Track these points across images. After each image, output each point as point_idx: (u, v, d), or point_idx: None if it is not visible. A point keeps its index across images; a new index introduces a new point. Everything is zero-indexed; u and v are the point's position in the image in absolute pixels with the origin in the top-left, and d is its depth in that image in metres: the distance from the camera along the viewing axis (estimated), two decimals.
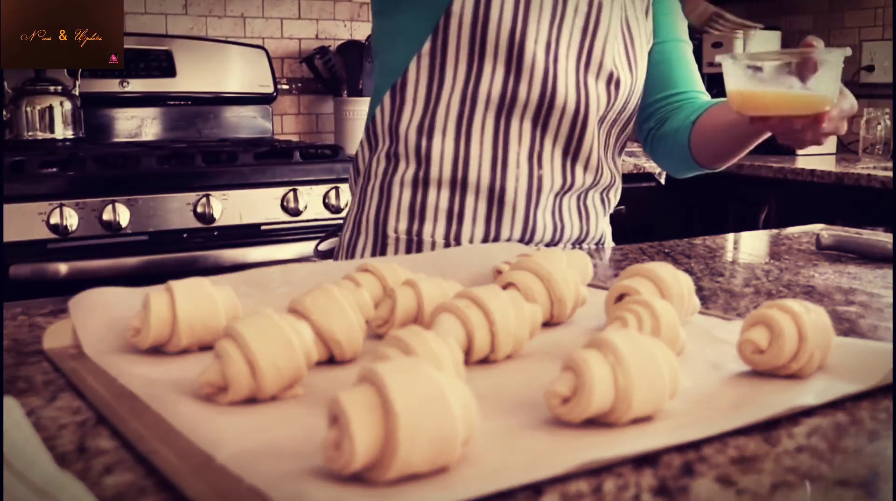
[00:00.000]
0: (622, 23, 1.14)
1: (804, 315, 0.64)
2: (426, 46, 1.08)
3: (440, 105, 1.09)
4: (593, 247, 1.23)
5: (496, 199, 1.11)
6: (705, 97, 1.25)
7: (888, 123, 2.96)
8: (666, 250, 1.22)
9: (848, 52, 0.89)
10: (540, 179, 1.12)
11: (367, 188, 1.17)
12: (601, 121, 1.14)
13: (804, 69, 0.88)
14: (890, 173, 2.42)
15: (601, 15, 1.10)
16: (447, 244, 1.11)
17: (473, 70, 1.08)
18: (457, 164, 1.09)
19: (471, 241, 1.11)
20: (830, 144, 3.12)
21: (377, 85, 1.17)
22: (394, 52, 1.12)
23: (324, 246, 1.38)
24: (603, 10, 1.10)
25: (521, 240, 1.12)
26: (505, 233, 1.11)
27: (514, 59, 1.07)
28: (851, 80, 3.15)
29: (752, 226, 2.59)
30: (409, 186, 1.12)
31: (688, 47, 1.26)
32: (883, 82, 3.11)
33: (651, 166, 2.70)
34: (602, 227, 1.24)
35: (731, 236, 1.39)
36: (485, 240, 1.11)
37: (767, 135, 1.11)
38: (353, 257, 1.17)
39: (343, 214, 2.22)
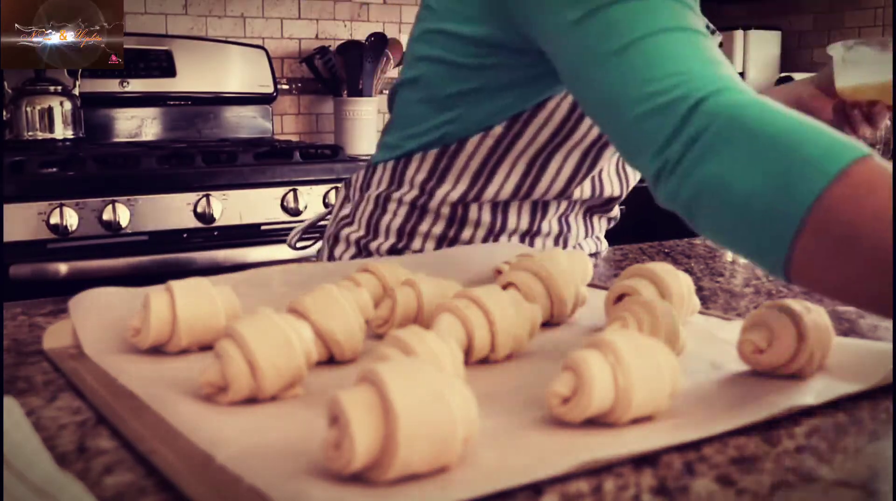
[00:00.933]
0: None
1: (804, 315, 0.64)
2: (498, 129, 0.99)
3: (486, 190, 1.03)
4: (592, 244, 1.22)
5: (494, 235, 1.08)
6: None
7: (888, 122, 2.96)
8: (666, 250, 1.22)
9: None
10: (567, 235, 1.13)
11: (365, 194, 1.12)
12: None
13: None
14: None
15: None
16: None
17: (535, 169, 1.02)
18: (493, 230, 1.07)
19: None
20: None
21: (409, 130, 1.06)
22: (465, 109, 1.01)
23: (301, 244, 1.37)
24: None
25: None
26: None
27: (590, 162, 1.04)
28: None
29: None
30: (406, 207, 1.07)
31: None
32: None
33: None
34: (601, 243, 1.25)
35: None
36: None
37: None
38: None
39: None
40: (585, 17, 0.76)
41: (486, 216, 1.05)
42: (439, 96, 1.02)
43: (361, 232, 1.11)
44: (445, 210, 1.05)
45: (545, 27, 0.83)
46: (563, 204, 1.10)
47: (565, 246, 1.13)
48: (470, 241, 1.06)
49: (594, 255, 1.21)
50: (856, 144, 0.60)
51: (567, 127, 1.00)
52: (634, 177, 1.17)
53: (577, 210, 1.14)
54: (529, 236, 1.09)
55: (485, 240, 1.07)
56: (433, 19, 1.00)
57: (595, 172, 1.08)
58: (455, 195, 1.04)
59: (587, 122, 0.99)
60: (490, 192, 1.04)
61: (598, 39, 0.75)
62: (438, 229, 1.07)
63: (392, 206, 1.08)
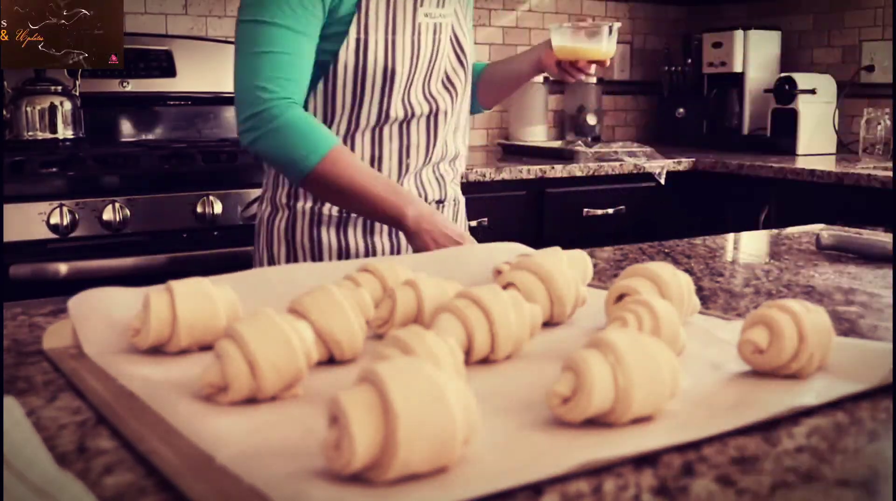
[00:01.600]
0: (451, 41, 1.47)
1: (804, 315, 0.64)
2: (319, 85, 1.38)
3: (332, 127, 1.39)
4: (452, 204, 1.55)
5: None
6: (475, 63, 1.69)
7: (888, 123, 2.96)
8: (666, 250, 1.23)
9: (619, 25, 1.49)
10: (408, 165, 1.44)
11: (279, 178, 1.44)
12: (447, 113, 1.47)
13: (598, 33, 1.45)
14: (890, 173, 2.41)
15: (439, 52, 1.44)
16: (339, 215, 1.40)
17: (355, 101, 1.39)
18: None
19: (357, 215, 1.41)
20: (830, 144, 3.12)
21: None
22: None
23: (247, 212, 1.80)
24: (441, 42, 1.45)
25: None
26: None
27: (387, 89, 1.38)
28: (851, 80, 3.15)
29: (752, 226, 2.59)
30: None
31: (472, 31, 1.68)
32: (883, 82, 3.11)
33: (651, 166, 2.70)
34: (455, 189, 1.55)
35: (731, 236, 1.39)
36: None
37: (537, 75, 1.62)
38: (270, 229, 1.44)
39: None
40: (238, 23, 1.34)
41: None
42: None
43: (286, 187, 1.43)
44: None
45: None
46: (396, 138, 1.43)
47: (407, 168, 1.44)
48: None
49: (455, 202, 1.53)
50: (329, 137, 1.29)
51: (359, 68, 1.38)
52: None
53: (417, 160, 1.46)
54: (378, 161, 1.42)
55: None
56: None
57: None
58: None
59: (371, 57, 1.38)
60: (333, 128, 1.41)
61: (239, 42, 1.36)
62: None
63: None
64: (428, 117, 1.44)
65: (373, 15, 1.36)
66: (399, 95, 1.39)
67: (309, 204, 1.42)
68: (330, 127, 1.38)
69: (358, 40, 1.35)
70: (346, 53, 1.35)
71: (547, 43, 1.54)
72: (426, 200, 1.47)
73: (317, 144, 1.27)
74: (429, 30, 1.42)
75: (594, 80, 1.67)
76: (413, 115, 1.42)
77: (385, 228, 1.42)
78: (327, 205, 1.41)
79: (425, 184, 1.48)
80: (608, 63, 1.50)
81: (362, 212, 1.34)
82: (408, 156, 1.45)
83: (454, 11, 1.48)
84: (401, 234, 1.38)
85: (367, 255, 1.41)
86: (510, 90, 1.69)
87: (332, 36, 1.35)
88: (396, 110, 1.40)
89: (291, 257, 1.44)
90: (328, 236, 1.41)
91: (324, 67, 1.36)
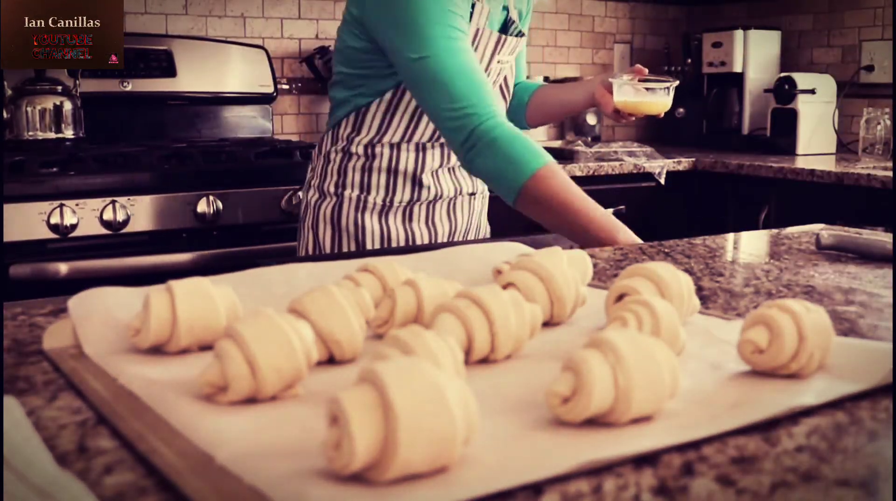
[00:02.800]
0: (504, 79, 1.60)
1: (804, 315, 0.64)
2: (387, 96, 1.50)
3: (386, 135, 1.51)
4: (480, 196, 1.66)
5: (417, 181, 1.55)
6: (528, 81, 1.79)
7: (888, 123, 2.96)
8: (666, 250, 1.23)
9: (677, 82, 1.57)
10: (449, 156, 1.56)
11: (328, 168, 1.57)
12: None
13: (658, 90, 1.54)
14: (890, 173, 2.41)
15: (496, 82, 1.57)
16: (383, 204, 1.52)
17: (414, 119, 1.50)
18: (391, 162, 1.53)
19: (399, 202, 1.53)
20: (830, 144, 3.12)
21: (344, 102, 1.56)
22: (363, 90, 1.53)
23: (293, 201, 2.07)
24: (498, 82, 1.58)
25: (432, 200, 1.55)
26: (423, 197, 1.56)
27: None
28: (851, 80, 3.15)
29: (752, 226, 2.59)
30: (358, 172, 1.54)
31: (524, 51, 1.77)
32: (883, 82, 3.11)
33: (651, 166, 2.70)
34: (484, 184, 1.65)
35: (731, 236, 1.39)
36: (409, 201, 1.54)
37: (588, 109, 1.82)
38: (317, 213, 1.56)
39: None
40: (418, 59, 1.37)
41: (386, 152, 1.53)
42: (351, 78, 1.55)
43: (334, 178, 1.56)
44: (360, 150, 1.54)
45: (393, 58, 1.44)
46: (438, 149, 1.57)
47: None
48: (378, 170, 1.53)
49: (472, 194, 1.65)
50: (542, 155, 1.33)
51: None
52: None
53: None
54: (418, 168, 1.55)
55: (387, 171, 1.53)
56: (346, 25, 1.51)
57: None
58: (365, 140, 1.53)
59: None
60: (387, 137, 1.53)
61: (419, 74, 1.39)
62: (360, 163, 1.55)
63: (334, 155, 1.57)
64: None
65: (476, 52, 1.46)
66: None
67: (356, 192, 1.53)
68: (384, 135, 1.51)
69: None
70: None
71: (601, 78, 1.61)
72: (460, 191, 1.60)
73: (530, 161, 1.32)
74: (493, 73, 1.55)
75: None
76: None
77: (423, 215, 1.55)
78: (373, 194, 1.53)
79: (459, 179, 1.60)
80: (662, 115, 1.58)
81: (571, 231, 1.34)
82: (448, 160, 1.58)
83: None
84: (437, 222, 1.57)
85: (406, 242, 1.54)
86: (560, 117, 1.80)
87: None
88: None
89: (336, 240, 1.54)
90: (371, 222, 1.52)
91: (395, 79, 1.46)
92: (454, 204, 1.60)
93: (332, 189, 1.55)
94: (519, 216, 1.41)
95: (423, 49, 1.36)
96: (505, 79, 1.62)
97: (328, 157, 1.57)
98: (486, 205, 1.71)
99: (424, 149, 1.54)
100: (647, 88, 1.53)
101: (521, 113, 1.73)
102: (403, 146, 1.53)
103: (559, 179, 1.32)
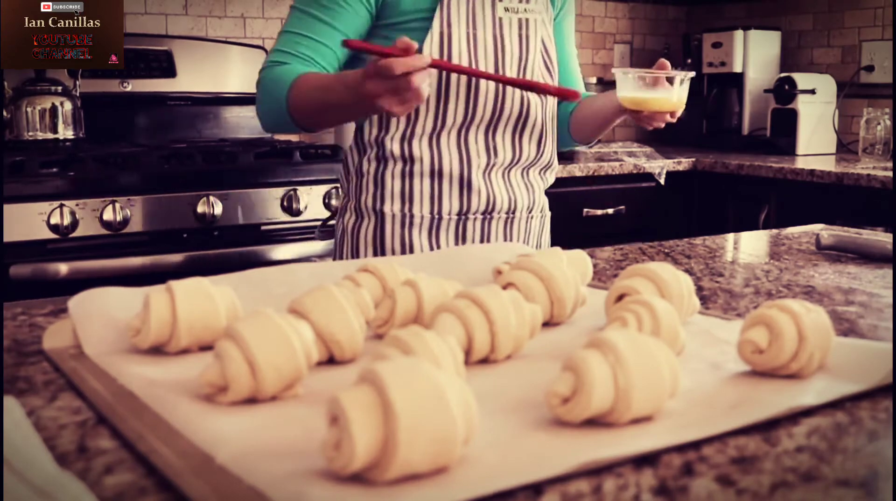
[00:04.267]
0: (541, 47, 1.44)
1: (804, 315, 0.64)
2: None
3: (417, 125, 1.36)
4: (539, 215, 1.52)
5: (465, 183, 1.39)
6: (583, 91, 1.61)
7: (888, 123, 2.96)
8: (666, 250, 1.23)
9: (692, 74, 1.37)
10: (493, 164, 1.41)
11: (362, 183, 1.42)
12: (535, 117, 1.43)
13: (667, 82, 1.34)
14: (890, 173, 2.41)
15: (529, 52, 1.40)
16: (431, 217, 1.38)
17: (441, 102, 1.34)
18: (433, 162, 1.37)
19: (448, 214, 1.39)
20: (830, 144, 3.12)
21: None
22: None
23: (325, 227, 1.81)
24: (531, 40, 1.41)
25: (485, 210, 1.40)
26: (474, 206, 1.40)
27: (472, 92, 1.35)
28: (851, 80, 3.15)
29: (752, 226, 2.59)
30: (398, 179, 1.39)
31: (575, 53, 1.61)
32: (883, 82, 3.11)
33: (651, 166, 2.70)
34: (543, 199, 1.52)
35: (731, 236, 1.39)
36: (459, 212, 1.39)
37: (621, 118, 1.47)
38: (356, 237, 1.42)
39: None
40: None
41: (426, 149, 1.37)
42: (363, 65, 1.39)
43: (371, 191, 1.41)
44: (396, 149, 1.38)
45: None
46: (482, 140, 1.40)
47: (491, 169, 1.42)
48: (420, 174, 1.38)
49: (542, 211, 1.51)
50: (292, 73, 1.30)
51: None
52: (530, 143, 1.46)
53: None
54: (467, 161, 1.39)
55: (431, 174, 1.38)
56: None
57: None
58: (398, 135, 1.37)
59: (455, 56, 1.35)
60: (420, 124, 1.37)
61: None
62: (398, 169, 1.39)
63: (367, 166, 1.42)
64: (517, 120, 1.40)
65: (454, 8, 1.33)
66: (486, 94, 1.35)
67: (398, 206, 1.38)
68: (415, 126, 1.36)
69: (441, 34, 1.32)
70: (431, 47, 1.31)
71: None
72: (515, 206, 1.44)
73: (283, 86, 1.28)
74: (512, 26, 1.38)
75: (662, 125, 1.41)
76: (500, 116, 1.38)
77: (477, 231, 1.41)
78: (416, 205, 1.38)
79: (514, 188, 1.44)
80: (678, 115, 1.37)
81: (337, 112, 1.31)
82: (495, 155, 1.41)
83: (542, 10, 1.44)
84: (493, 234, 1.42)
85: None
86: (597, 128, 1.55)
87: (415, 30, 1.32)
88: (485, 109, 1.36)
89: None
90: (420, 240, 1.38)
91: None
92: (511, 222, 1.43)
93: (369, 204, 1.39)
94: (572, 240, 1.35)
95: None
96: (543, 43, 1.43)
97: (360, 171, 1.41)
98: (548, 226, 1.55)
99: (467, 140, 1.37)
100: (652, 81, 1.33)
101: (564, 127, 1.57)
102: (444, 139, 1.36)
103: (303, 81, 1.27)
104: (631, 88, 1.36)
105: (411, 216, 1.38)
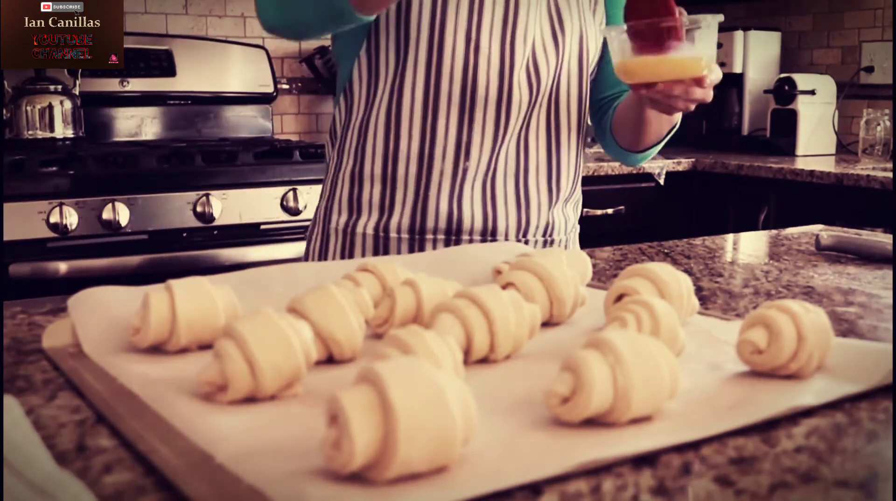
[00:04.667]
0: (547, 6, 1.13)
1: (803, 316, 0.64)
2: (363, 48, 1.14)
3: (374, 105, 1.13)
4: (540, 239, 1.20)
5: (422, 192, 1.14)
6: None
7: (888, 123, 2.96)
8: (665, 251, 1.23)
9: (720, 17, 0.95)
10: (465, 170, 1.13)
11: (326, 184, 1.25)
12: (520, 107, 1.13)
13: (676, 33, 0.92)
14: (889, 174, 2.42)
15: (518, 11, 1.10)
16: (376, 236, 1.16)
17: (399, 67, 1.11)
18: (386, 160, 1.14)
19: (398, 232, 1.15)
20: (830, 144, 3.12)
21: (337, 88, 1.23)
22: (345, 58, 1.19)
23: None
24: (521, 6, 1.10)
25: (447, 230, 1.15)
26: (430, 223, 1.14)
27: (435, 52, 1.09)
28: (851, 80, 3.15)
29: (752, 226, 2.59)
30: (347, 182, 1.18)
31: None
32: (882, 83, 3.11)
33: (650, 166, 2.71)
34: (552, 217, 1.19)
35: (730, 237, 1.39)
36: (411, 230, 1.15)
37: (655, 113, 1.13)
38: (310, 247, 1.24)
39: None
40: None
41: (381, 141, 1.14)
42: (337, 58, 1.24)
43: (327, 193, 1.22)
44: (353, 137, 1.16)
45: None
46: (454, 126, 1.13)
47: (464, 177, 1.15)
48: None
49: (546, 235, 1.23)
50: None
51: (402, 21, 1.12)
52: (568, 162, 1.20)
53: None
54: (429, 159, 1.14)
55: (385, 157, 1.14)
56: None
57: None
58: (357, 122, 1.16)
59: (416, 4, 1.10)
60: (374, 110, 1.14)
61: None
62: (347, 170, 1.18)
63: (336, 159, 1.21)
64: (498, 106, 1.11)
65: None
66: (453, 60, 1.09)
67: (343, 218, 1.18)
68: (373, 101, 1.13)
69: None
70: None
71: None
72: (495, 228, 1.15)
73: None
74: None
75: (691, 104, 1.01)
76: (475, 97, 1.10)
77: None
78: (363, 220, 1.15)
79: (498, 203, 1.15)
80: (709, 80, 0.98)
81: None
82: (467, 157, 1.12)
83: None
84: None
85: None
86: (637, 127, 1.18)
87: None
88: (452, 82, 1.10)
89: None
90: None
91: (367, 25, 1.10)
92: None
93: (321, 214, 1.22)
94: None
95: None
96: (553, 3, 1.13)
97: (327, 169, 1.24)
98: (575, 243, 1.26)
99: (433, 133, 1.11)
100: (653, 30, 0.92)
101: (606, 127, 1.25)
102: (403, 123, 1.12)
103: None
104: (624, 50, 0.97)
105: (353, 235, 1.17)
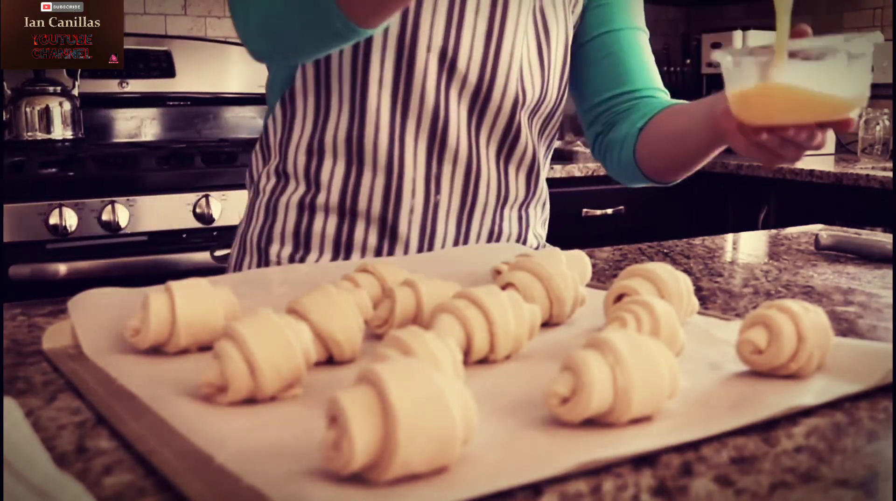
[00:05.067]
0: (535, 13, 1.00)
1: (803, 315, 0.65)
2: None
3: (329, 122, 0.98)
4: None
5: (388, 230, 1.01)
6: (662, 95, 1.11)
7: (887, 123, 2.96)
8: (665, 251, 1.23)
9: (879, 38, 0.73)
10: (436, 205, 1.01)
11: (255, 204, 1.09)
12: (518, 125, 1.02)
13: (821, 60, 0.72)
14: (889, 173, 2.42)
15: (508, 12, 0.97)
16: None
17: (358, 81, 0.96)
18: (346, 190, 0.99)
19: None
20: (829, 144, 3.12)
21: (269, 93, 1.07)
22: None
23: (220, 252, 1.32)
24: (510, 6, 0.97)
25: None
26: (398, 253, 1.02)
27: (404, 69, 0.95)
28: None
29: (752, 226, 2.59)
30: (294, 209, 1.03)
31: (643, 36, 1.12)
32: (882, 83, 3.11)
33: None
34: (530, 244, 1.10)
35: (730, 237, 1.39)
36: None
37: (718, 143, 0.96)
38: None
39: None
40: None
41: (340, 168, 0.99)
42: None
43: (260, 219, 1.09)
44: (301, 158, 1.01)
45: None
46: (423, 155, 0.99)
47: (436, 214, 1.03)
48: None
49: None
50: None
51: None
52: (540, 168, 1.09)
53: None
54: (396, 193, 1.01)
55: (344, 187, 1.00)
56: None
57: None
58: (305, 140, 1.02)
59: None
60: (329, 128, 0.99)
61: None
62: (297, 195, 1.04)
63: (264, 180, 1.09)
64: (469, 125, 0.99)
65: None
66: (424, 80, 0.96)
67: (287, 250, 1.04)
68: (325, 123, 0.99)
69: None
70: None
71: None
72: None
73: None
74: None
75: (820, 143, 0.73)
76: (447, 116, 0.98)
77: None
78: (313, 256, 1.02)
79: (504, 222, 1.06)
80: (854, 122, 0.76)
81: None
82: (437, 191, 1.01)
83: None
84: None
85: None
86: (675, 156, 1.03)
87: None
88: (423, 105, 0.97)
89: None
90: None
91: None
92: None
93: (254, 240, 1.08)
94: None
95: None
96: (539, 13, 1.01)
97: (258, 188, 1.10)
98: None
99: (401, 154, 0.98)
100: (804, 59, 0.71)
101: (629, 153, 1.07)
102: (367, 147, 0.98)
103: None
104: (751, 77, 0.75)
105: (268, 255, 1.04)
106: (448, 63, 0.98)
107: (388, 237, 1.02)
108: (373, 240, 1.01)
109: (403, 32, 0.95)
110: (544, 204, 1.14)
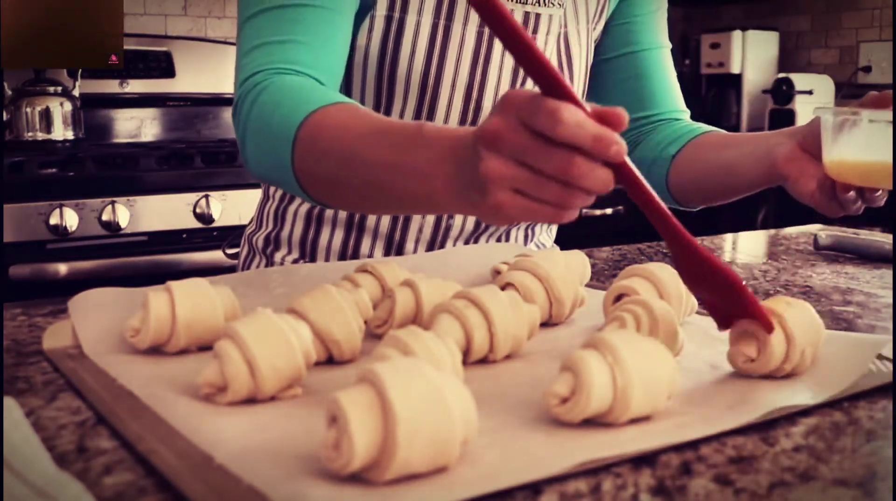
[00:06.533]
0: (559, 40, 1.01)
1: (787, 314, 0.64)
2: None
3: None
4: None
5: (394, 247, 1.02)
6: (684, 117, 1.13)
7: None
8: (665, 251, 1.23)
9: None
10: (447, 229, 1.02)
11: (265, 208, 1.09)
12: None
13: None
14: None
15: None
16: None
17: (381, 111, 0.95)
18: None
19: None
20: None
21: None
22: None
23: (231, 250, 1.34)
24: (537, 40, 0.97)
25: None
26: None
27: (426, 104, 0.95)
28: (849, 81, 3.15)
29: (751, 226, 2.59)
30: (302, 219, 1.03)
31: (666, 53, 1.12)
32: (881, 83, 3.11)
33: None
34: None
35: (729, 237, 1.39)
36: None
37: (767, 185, 0.97)
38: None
39: None
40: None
41: None
42: None
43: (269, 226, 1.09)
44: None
45: None
46: None
47: (446, 236, 1.04)
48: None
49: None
50: (328, 96, 0.78)
51: (387, 64, 0.96)
52: None
53: None
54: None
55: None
56: None
57: None
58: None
59: (407, 48, 0.95)
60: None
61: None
62: (304, 206, 1.04)
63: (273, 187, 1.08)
64: None
65: None
66: (447, 113, 0.96)
67: (292, 258, 1.06)
68: None
69: (389, 19, 0.92)
70: (369, 40, 0.93)
71: (794, 134, 0.89)
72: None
73: (302, 106, 0.78)
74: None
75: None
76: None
77: None
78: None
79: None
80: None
81: (367, 187, 0.73)
82: (450, 216, 1.00)
83: (574, 5, 1.00)
84: None
85: None
86: (721, 191, 1.02)
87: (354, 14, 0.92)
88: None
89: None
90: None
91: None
92: None
93: (260, 245, 1.08)
94: None
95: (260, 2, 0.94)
96: (564, 41, 1.00)
97: (267, 193, 1.10)
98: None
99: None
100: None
101: (659, 176, 1.06)
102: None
103: (334, 117, 0.75)
104: (857, 145, 0.77)
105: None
106: (474, 103, 0.98)
107: (394, 255, 1.02)
108: (378, 256, 1.02)
109: (428, 69, 0.95)
110: None
